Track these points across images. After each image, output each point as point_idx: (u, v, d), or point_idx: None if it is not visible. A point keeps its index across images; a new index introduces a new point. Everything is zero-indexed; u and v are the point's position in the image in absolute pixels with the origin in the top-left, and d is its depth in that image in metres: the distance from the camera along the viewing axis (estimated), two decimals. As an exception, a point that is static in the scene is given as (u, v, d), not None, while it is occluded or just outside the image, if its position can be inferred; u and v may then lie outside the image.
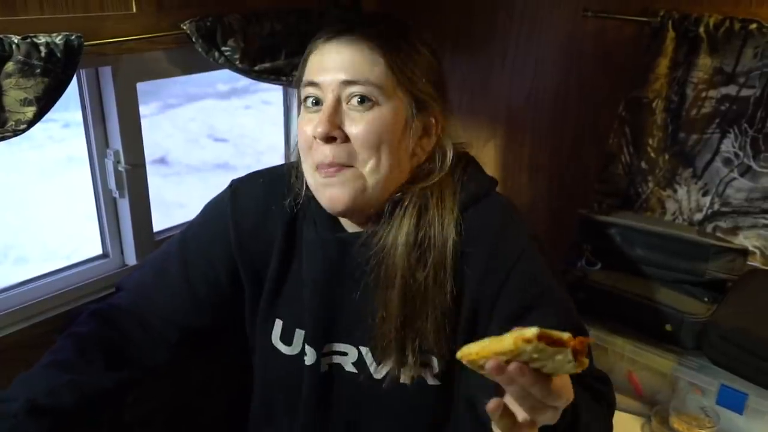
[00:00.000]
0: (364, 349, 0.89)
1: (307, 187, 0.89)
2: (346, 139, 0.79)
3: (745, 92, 1.29)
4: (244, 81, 1.28)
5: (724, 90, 1.31)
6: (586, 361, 0.53)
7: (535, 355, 0.52)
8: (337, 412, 0.93)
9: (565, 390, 0.58)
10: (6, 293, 1.09)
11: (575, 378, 0.60)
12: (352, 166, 0.80)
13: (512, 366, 0.54)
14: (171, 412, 1.22)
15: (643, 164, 1.43)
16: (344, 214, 0.86)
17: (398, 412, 0.90)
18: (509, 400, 0.59)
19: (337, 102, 0.79)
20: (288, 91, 1.53)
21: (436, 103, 0.85)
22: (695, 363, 1.20)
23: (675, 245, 1.29)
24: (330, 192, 0.81)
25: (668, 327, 1.25)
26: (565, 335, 0.52)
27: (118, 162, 1.18)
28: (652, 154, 1.42)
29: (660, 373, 1.23)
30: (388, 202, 0.84)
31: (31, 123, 0.93)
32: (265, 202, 0.93)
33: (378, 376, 0.89)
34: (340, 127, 0.79)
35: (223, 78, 1.40)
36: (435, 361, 0.87)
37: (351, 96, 0.79)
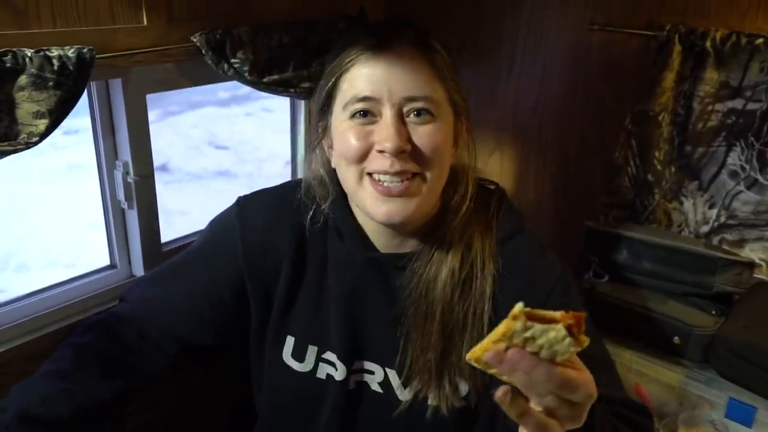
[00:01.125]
0: (390, 371, 0.89)
1: (324, 200, 0.89)
2: (414, 149, 0.80)
3: (751, 106, 1.30)
4: (244, 88, 1.28)
5: (730, 104, 1.32)
6: (586, 339, 0.51)
7: (527, 335, 0.51)
8: (360, 430, 0.92)
9: (582, 382, 0.54)
10: (13, 305, 1.08)
11: (606, 405, 0.59)
12: (419, 174, 0.81)
13: (509, 351, 0.52)
14: (172, 421, 1.22)
15: (650, 177, 1.44)
16: (397, 227, 0.87)
17: None
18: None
19: (400, 115, 0.80)
20: (295, 102, 1.53)
21: (465, 105, 0.87)
22: (703, 376, 1.20)
23: (682, 258, 1.29)
24: (389, 206, 0.81)
25: (676, 340, 1.25)
26: (558, 314, 0.51)
27: (127, 173, 1.18)
28: (659, 167, 1.42)
29: (668, 385, 1.23)
30: (430, 238, 0.86)
31: (43, 136, 0.93)
32: (273, 217, 0.93)
33: (403, 397, 0.89)
34: (409, 140, 0.80)
35: (224, 85, 1.40)
36: (464, 385, 0.87)
37: (411, 110, 0.80)
